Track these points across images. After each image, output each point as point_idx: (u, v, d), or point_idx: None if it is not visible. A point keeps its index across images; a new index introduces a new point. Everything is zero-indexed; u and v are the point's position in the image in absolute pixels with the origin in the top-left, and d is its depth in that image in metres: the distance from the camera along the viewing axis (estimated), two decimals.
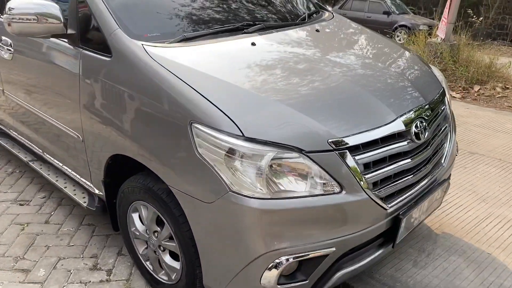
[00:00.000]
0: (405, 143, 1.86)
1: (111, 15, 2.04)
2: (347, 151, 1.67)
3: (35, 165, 2.97)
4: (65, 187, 2.66)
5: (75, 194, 2.58)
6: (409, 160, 1.88)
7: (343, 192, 1.66)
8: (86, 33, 2.14)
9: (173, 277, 2.08)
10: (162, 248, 2.07)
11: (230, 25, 2.26)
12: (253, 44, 2.11)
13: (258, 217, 1.59)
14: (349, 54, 2.27)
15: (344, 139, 1.67)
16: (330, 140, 1.65)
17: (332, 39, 2.47)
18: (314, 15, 2.79)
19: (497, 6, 16.98)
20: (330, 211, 1.66)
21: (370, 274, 2.25)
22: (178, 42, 2.03)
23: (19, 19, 2.03)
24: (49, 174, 2.83)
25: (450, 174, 2.39)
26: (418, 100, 2.01)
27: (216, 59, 1.97)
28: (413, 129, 1.88)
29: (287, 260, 1.64)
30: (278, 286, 1.68)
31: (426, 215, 2.12)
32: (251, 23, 2.32)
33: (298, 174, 1.62)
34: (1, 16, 2.76)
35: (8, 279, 2.30)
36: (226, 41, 2.12)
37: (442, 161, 2.18)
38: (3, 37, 2.71)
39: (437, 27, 8.07)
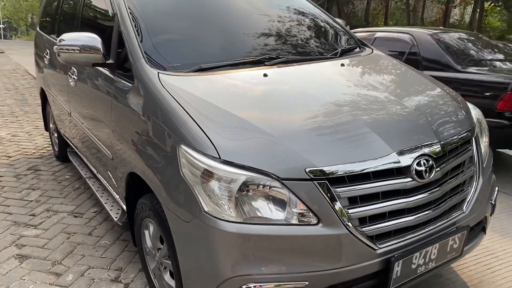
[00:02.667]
0: (406, 180, 1.74)
1: (139, 46, 2.25)
2: (326, 181, 1.61)
3: (90, 182, 3.29)
4: (106, 203, 2.90)
5: (112, 210, 2.80)
6: (407, 199, 1.74)
7: (320, 224, 1.60)
8: (120, 62, 2.39)
9: None
10: (163, 265, 2.15)
11: (250, 58, 2.35)
12: (265, 75, 2.17)
13: (227, 240, 1.60)
14: (363, 88, 2.20)
15: (323, 168, 1.62)
16: (308, 169, 1.61)
17: (353, 74, 2.41)
18: (352, 51, 2.76)
19: None
20: (303, 242, 1.60)
21: None
22: (194, 71, 2.17)
23: (66, 49, 2.35)
24: (97, 190, 3.11)
25: (481, 223, 2.13)
26: (427, 137, 1.87)
27: (220, 88, 2.06)
28: (414, 166, 1.75)
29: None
30: None
31: (438, 264, 1.92)
32: (274, 56, 2.39)
33: (272, 201, 1.61)
34: None
35: (41, 279, 2.54)
36: (239, 71, 2.21)
37: (463, 206, 1.97)
38: (72, 67, 3.12)
39: None
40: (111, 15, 2.62)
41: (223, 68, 2.24)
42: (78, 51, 2.35)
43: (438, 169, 1.83)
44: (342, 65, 2.45)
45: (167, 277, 2.14)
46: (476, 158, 2.07)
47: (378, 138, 1.78)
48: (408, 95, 2.22)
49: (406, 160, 1.75)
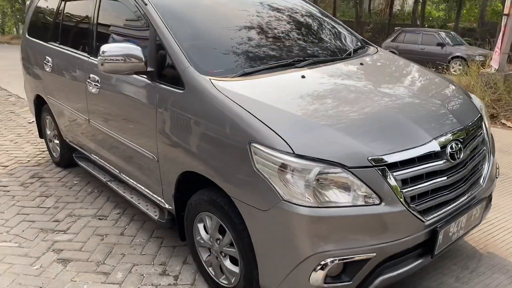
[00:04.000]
0: (441, 162, 2.07)
1: (184, 55, 2.43)
2: (385, 167, 1.91)
3: (113, 185, 3.40)
4: (139, 203, 3.05)
5: (148, 209, 2.96)
6: (445, 178, 2.07)
7: (383, 203, 1.89)
8: (162, 70, 2.56)
9: (232, 281, 2.35)
10: (223, 254, 2.37)
11: (283, 61, 2.60)
12: (303, 76, 2.43)
13: (306, 222, 1.85)
14: (389, 84, 2.52)
15: (382, 157, 1.91)
16: (370, 158, 1.90)
17: (374, 71, 2.74)
18: (360, 50, 3.08)
19: None
20: (370, 220, 1.89)
21: (414, 285, 2.41)
22: (239, 76, 2.39)
23: (110, 60, 2.49)
24: (124, 192, 3.24)
25: (491, 195, 2.52)
26: (453, 124, 2.21)
27: (271, 90, 2.30)
28: (448, 150, 2.09)
29: (332, 261, 1.87)
30: (325, 285, 1.91)
31: (465, 231, 2.28)
32: (302, 58, 2.65)
33: (342, 187, 1.88)
34: (90, 57, 3.29)
35: (91, 280, 2.67)
36: (279, 74, 2.45)
37: (480, 181, 2.34)
38: (91, 75, 3.21)
39: (491, 58, 8.06)
40: (141, 24, 2.76)
41: (261, 72, 2.47)
42: (122, 61, 2.49)
43: (464, 151, 2.18)
44: (361, 64, 2.75)
45: (227, 263, 2.35)
46: (486, 140, 2.45)
47: (418, 127, 2.09)
48: (426, 88, 2.56)
49: (442, 144, 2.08)
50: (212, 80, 2.29)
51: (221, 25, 2.80)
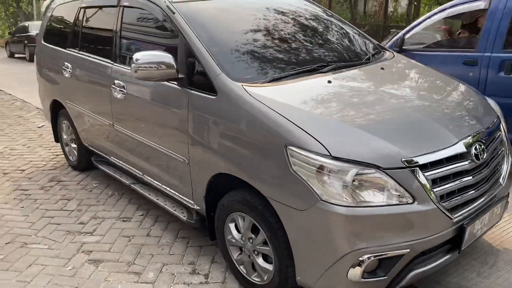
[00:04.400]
0: (467, 162, 2.19)
1: (215, 62, 2.54)
2: (417, 168, 2.02)
3: (137, 187, 3.49)
4: (166, 204, 3.14)
5: (175, 210, 3.05)
6: (470, 177, 2.19)
7: (415, 202, 2.00)
8: (192, 76, 2.66)
9: (265, 278, 2.45)
10: (256, 252, 2.47)
11: (308, 66, 2.70)
12: (329, 81, 2.54)
13: (344, 221, 1.96)
14: (412, 88, 2.65)
15: (414, 158, 2.03)
16: (403, 159, 2.01)
17: (395, 76, 2.86)
18: (377, 54, 3.20)
19: None
20: (404, 218, 2.00)
21: (437, 281, 2.52)
22: (268, 82, 2.49)
23: (144, 67, 2.58)
24: (150, 194, 3.33)
25: (509, 193, 2.64)
26: (476, 126, 2.34)
27: (300, 95, 2.41)
28: (473, 151, 2.21)
29: (369, 258, 1.98)
30: (362, 280, 2.02)
31: (488, 228, 2.40)
32: (325, 64, 2.76)
33: (377, 187, 1.99)
34: (114, 64, 3.38)
35: (125, 279, 2.76)
36: (305, 80, 2.56)
37: (500, 180, 2.46)
38: (116, 81, 3.30)
39: None
40: (169, 32, 2.86)
41: (288, 77, 2.57)
42: (155, 68, 2.59)
43: (487, 151, 2.30)
44: (382, 68, 2.87)
45: (260, 261, 2.45)
46: (504, 141, 2.58)
47: (445, 130, 2.21)
48: (446, 91, 2.69)
49: (467, 146, 2.20)
50: (244, 86, 2.40)
51: (245, 32, 2.90)
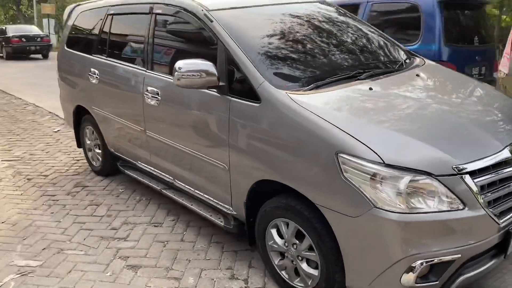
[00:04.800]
0: (510, 168, 2.23)
1: (257, 70, 2.57)
2: (467, 175, 2.06)
3: (168, 192, 3.52)
4: (201, 210, 3.17)
5: (211, 216, 3.09)
6: None
7: (466, 208, 2.04)
8: (233, 84, 2.69)
9: (309, 283, 2.49)
10: (300, 258, 2.50)
11: (347, 73, 2.74)
12: (370, 88, 2.58)
13: (398, 228, 2.00)
14: (451, 94, 2.70)
15: (464, 165, 2.07)
16: (453, 166, 2.05)
17: (432, 82, 2.91)
18: (408, 60, 3.24)
19: None
20: (456, 224, 2.04)
21: (478, 285, 2.56)
22: (311, 89, 2.53)
23: (187, 75, 2.62)
24: (183, 200, 3.36)
25: None
26: None
27: (345, 102, 2.45)
28: None
29: (422, 264, 2.02)
30: (416, 285, 2.06)
31: None
32: (362, 70, 2.80)
33: (429, 194, 2.03)
34: (147, 71, 3.41)
35: (165, 285, 2.79)
36: (347, 87, 2.60)
37: None
38: (149, 88, 3.33)
39: (499, 63, 8.30)
40: (207, 40, 2.90)
41: (329, 84, 2.61)
42: (198, 76, 2.63)
43: None
44: (417, 75, 2.91)
45: (305, 266, 2.48)
46: None
47: (490, 137, 2.26)
48: (483, 97, 2.74)
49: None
50: (288, 94, 2.44)
51: (282, 39, 2.94)
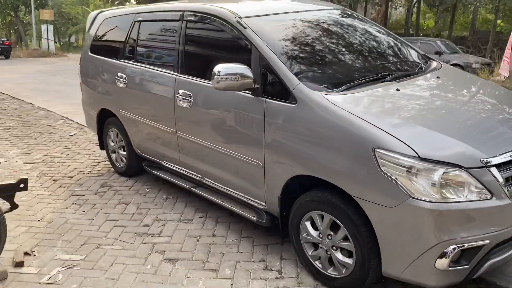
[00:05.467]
0: None
1: (292, 73, 2.77)
2: (494, 167, 2.26)
3: (198, 190, 3.69)
4: (232, 206, 3.35)
5: (243, 211, 3.26)
6: None
7: (493, 198, 2.24)
8: (266, 86, 2.88)
9: (343, 271, 2.66)
10: (334, 248, 2.68)
11: (373, 75, 2.94)
12: (397, 89, 2.78)
13: (432, 216, 2.19)
14: (471, 94, 2.90)
15: (491, 158, 2.26)
16: (482, 159, 2.24)
17: (452, 84, 3.11)
18: (426, 64, 3.45)
19: None
20: (484, 212, 2.23)
21: (501, 270, 2.75)
22: (342, 91, 2.72)
23: (225, 78, 2.80)
24: (213, 197, 3.53)
25: None
26: None
27: (377, 102, 2.65)
28: None
29: (454, 249, 2.21)
30: (449, 268, 2.24)
31: None
32: (387, 73, 3.00)
33: (460, 185, 2.22)
34: (178, 75, 3.59)
35: (204, 276, 2.96)
36: (375, 88, 2.79)
37: None
38: (181, 91, 3.51)
39: (499, 67, 8.60)
40: (240, 45, 3.09)
41: (358, 86, 2.81)
42: (235, 79, 2.81)
43: None
44: (438, 77, 3.11)
45: (339, 256, 2.66)
46: None
47: None
48: (500, 97, 2.94)
49: None
50: (323, 95, 2.62)
51: (310, 43, 3.14)
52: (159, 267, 3.06)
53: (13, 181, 3.02)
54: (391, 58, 3.36)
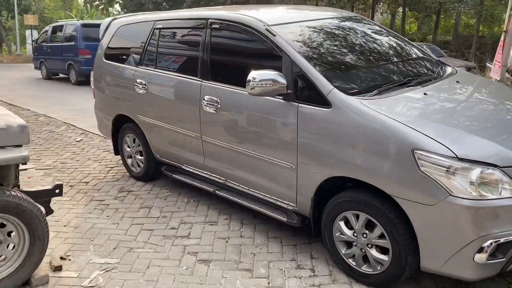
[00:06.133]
0: None
1: (325, 78, 2.89)
2: None
3: (222, 193, 3.78)
4: (261, 208, 3.45)
5: (273, 213, 3.36)
6: None
7: None
8: (298, 91, 3.00)
9: (378, 268, 2.79)
10: (369, 245, 2.80)
11: (399, 81, 3.09)
12: (425, 94, 2.93)
13: (471, 212, 2.33)
14: (493, 97, 3.07)
15: None
16: None
17: (472, 88, 3.29)
18: (442, 69, 3.62)
19: None
20: None
21: None
22: (374, 95, 2.86)
23: (260, 84, 2.91)
24: (239, 199, 3.62)
25: None
26: None
27: (409, 106, 2.79)
28: None
29: (491, 244, 2.35)
30: (488, 262, 2.38)
31: None
32: (411, 78, 3.15)
33: (496, 183, 2.37)
34: (203, 81, 3.68)
35: (240, 276, 3.05)
36: (404, 93, 2.94)
37: None
38: (207, 96, 3.60)
39: (484, 70, 8.91)
40: (269, 52, 3.20)
41: (388, 90, 2.95)
42: (269, 85, 2.92)
43: None
44: (458, 82, 3.28)
45: (375, 253, 2.78)
46: None
47: None
48: None
49: None
50: (359, 100, 2.76)
51: (337, 49, 3.28)
52: (194, 268, 3.14)
53: (49, 186, 3.07)
54: (412, 63, 3.52)
